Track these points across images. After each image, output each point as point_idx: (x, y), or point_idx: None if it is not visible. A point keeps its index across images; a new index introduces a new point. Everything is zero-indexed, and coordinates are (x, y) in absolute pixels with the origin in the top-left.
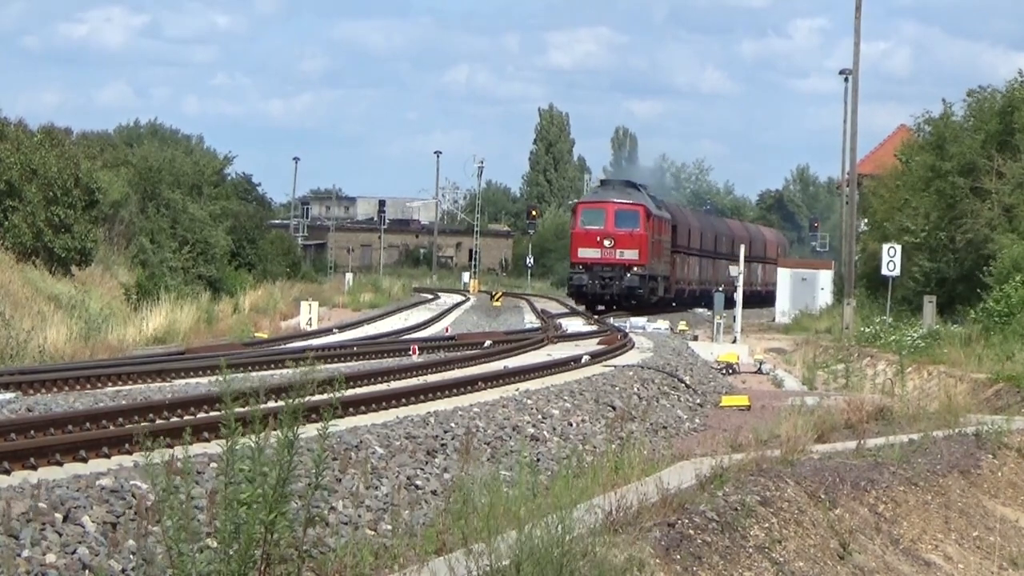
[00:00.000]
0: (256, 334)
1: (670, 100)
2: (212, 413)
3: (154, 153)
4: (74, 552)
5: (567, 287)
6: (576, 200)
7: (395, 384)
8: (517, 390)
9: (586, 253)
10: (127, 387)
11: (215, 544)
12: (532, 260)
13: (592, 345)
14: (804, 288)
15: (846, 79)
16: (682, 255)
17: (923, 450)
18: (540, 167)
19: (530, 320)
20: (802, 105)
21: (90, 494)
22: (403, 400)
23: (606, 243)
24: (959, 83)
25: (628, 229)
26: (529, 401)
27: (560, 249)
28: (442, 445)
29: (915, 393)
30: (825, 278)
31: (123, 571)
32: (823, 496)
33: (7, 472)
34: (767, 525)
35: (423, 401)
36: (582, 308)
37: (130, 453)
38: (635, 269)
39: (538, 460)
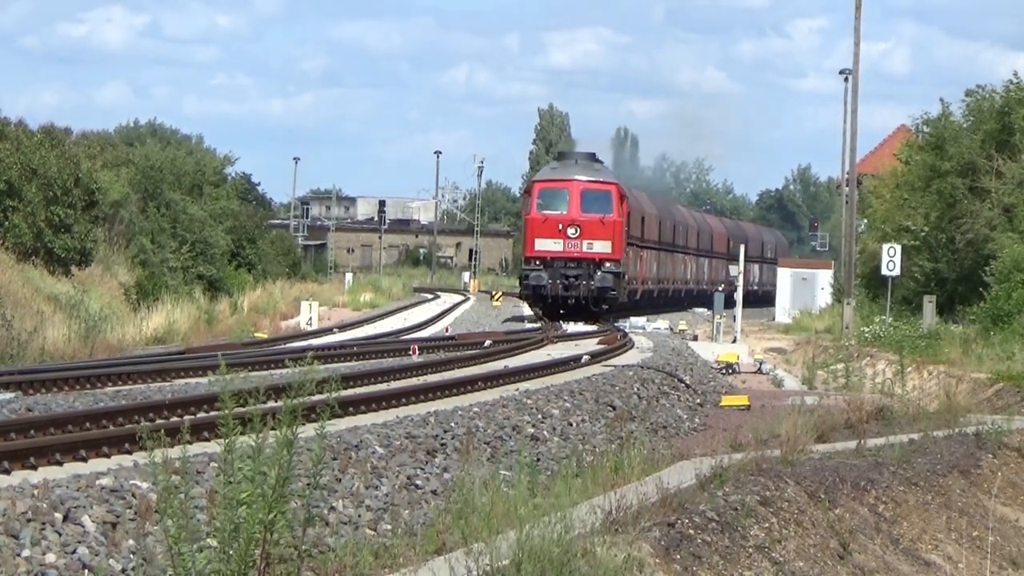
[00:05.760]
0: (256, 334)
1: (670, 100)
2: (212, 413)
3: (156, 153)
4: (74, 552)
5: (520, 287)
6: (532, 178)
7: (395, 384)
8: (517, 390)
9: (545, 245)
10: (127, 387)
11: (215, 543)
12: None
13: (592, 345)
14: (804, 288)
15: (846, 79)
16: (635, 248)
17: (923, 450)
18: (540, 167)
19: (530, 320)
20: (802, 105)
21: (90, 494)
22: (403, 400)
23: (570, 232)
24: (958, 83)
25: (598, 214)
26: (529, 401)
27: None
28: (442, 445)
29: (915, 393)
30: (825, 278)
31: (123, 571)
32: (823, 496)
33: (7, 472)
34: (767, 525)
35: (423, 401)
36: (537, 312)
37: (130, 453)
38: (607, 265)
39: (538, 460)
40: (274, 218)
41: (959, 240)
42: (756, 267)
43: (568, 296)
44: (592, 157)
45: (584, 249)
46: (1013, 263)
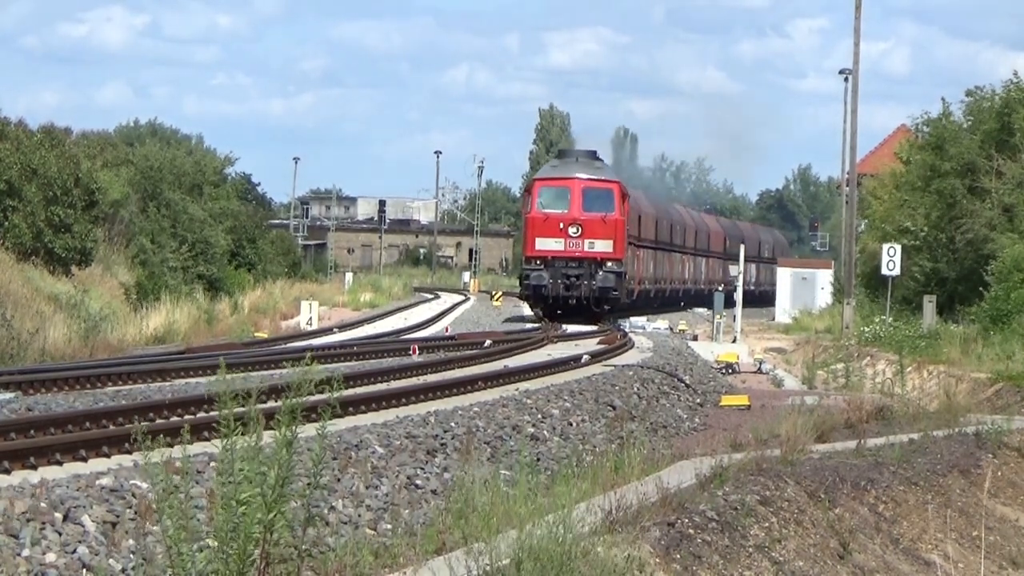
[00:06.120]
0: (256, 334)
1: (670, 100)
2: (212, 412)
3: (156, 153)
4: (74, 551)
5: (521, 287)
6: (532, 176)
7: (395, 384)
8: (517, 390)
9: (545, 244)
10: (127, 387)
11: (215, 543)
12: None
13: (592, 345)
14: (804, 288)
15: (846, 79)
16: (632, 247)
17: (923, 450)
18: (540, 167)
19: (530, 320)
20: (802, 105)
21: (90, 493)
22: (403, 400)
23: (572, 231)
24: (958, 83)
25: (600, 213)
26: (529, 401)
27: None
28: (442, 445)
29: (915, 393)
30: (825, 278)
31: (123, 571)
32: (823, 496)
33: (7, 472)
34: (767, 524)
35: (423, 401)
36: (537, 313)
37: (130, 453)
38: (609, 265)
39: (538, 460)
40: (274, 218)
41: (959, 240)
42: (753, 267)
43: (569, 296)
44: (593, 155)
45: (586, 248)
46: (1013, 263)
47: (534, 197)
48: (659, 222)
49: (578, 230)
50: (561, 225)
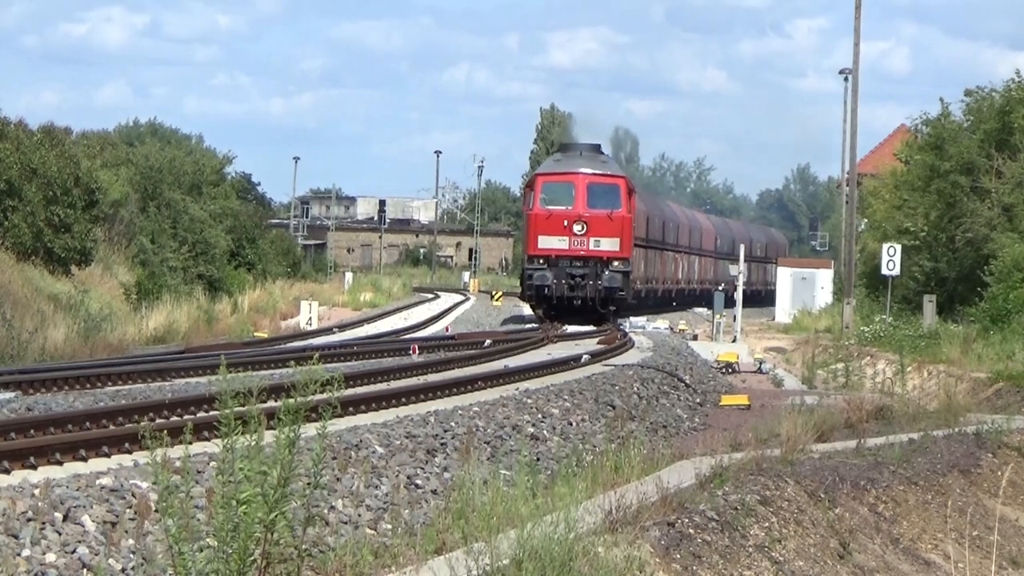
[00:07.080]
0: (256, 334)
1: (670, 100)
2: (212, 412)
3: (156, 152)
4: (74, 551)
5: (522, 287)
6: (534, 172)
7: (395, 383)
8: (517, 389)
9: (549, 242)
10: (127, 386)
11: (215, 543)
12: None
13: (592, 344)
14: (804, 287)
15: (846, 79)
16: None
17: (923, 450)
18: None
19: (530, 320)
20: (802, 105)
21: (90, 493)
22: (403, 399)
23: (576, 228)
24: (958, 83)
25: (606, 210)
26: (529, 400)
27: None
28: (442, 444)
29: (915, 392)
30: (825, 277)
31: (123, 570)
32: (823, 495)
33: (7, 472)
34: (767, 524)
35: (423, 400)
36: (539, 314)
37: (130, 452)
38: (615, 264)
39: (538, 459)
40: (274, 218)
41: (959, 239)
42: (745, 266)
43: (574, 297)
44: (597, 149)
45: (591, 247)
46: (1013, 262)
47: (536, 193)
48: (651, 220)
49: (583, 228)
50: (565, 223)
